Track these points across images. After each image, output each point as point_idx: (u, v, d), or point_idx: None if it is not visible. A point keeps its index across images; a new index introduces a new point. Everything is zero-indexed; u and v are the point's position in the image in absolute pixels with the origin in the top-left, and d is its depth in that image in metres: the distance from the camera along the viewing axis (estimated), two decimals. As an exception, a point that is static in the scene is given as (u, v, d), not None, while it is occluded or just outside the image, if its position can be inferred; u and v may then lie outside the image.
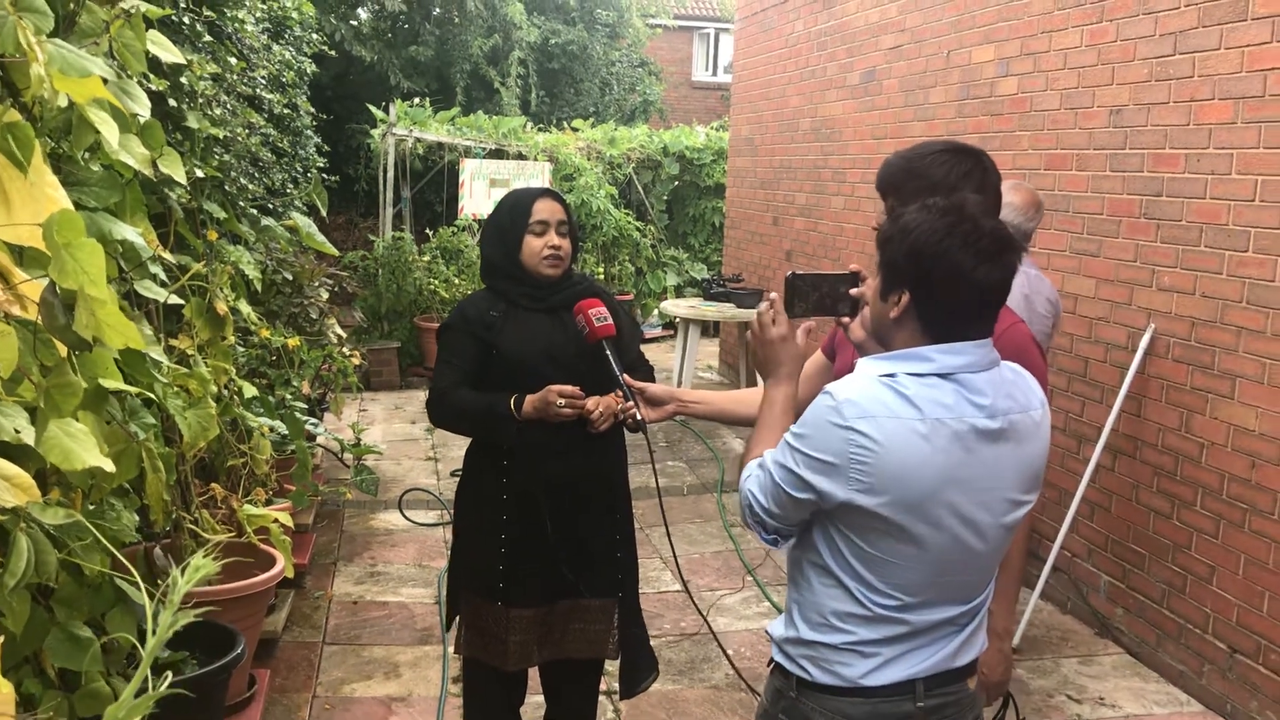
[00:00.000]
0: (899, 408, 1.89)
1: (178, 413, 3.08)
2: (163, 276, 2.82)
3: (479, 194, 10.37)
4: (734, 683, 4.22)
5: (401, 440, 7.73)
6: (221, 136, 3.82)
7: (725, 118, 16.33)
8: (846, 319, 2.29)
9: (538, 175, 10.78)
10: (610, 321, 2.93)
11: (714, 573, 5.36)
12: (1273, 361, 3.80)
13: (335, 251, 6.46)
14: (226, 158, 4.27)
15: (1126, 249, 4.53)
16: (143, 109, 2.16)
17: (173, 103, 3.47)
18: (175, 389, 3.11)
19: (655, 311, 11.62)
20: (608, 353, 2.87)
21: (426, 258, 9.66)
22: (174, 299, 2.76)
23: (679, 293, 11.72)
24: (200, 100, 3.66)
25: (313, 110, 8.61)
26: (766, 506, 2.02)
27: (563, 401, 2.86)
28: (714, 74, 23.61)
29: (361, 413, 8.42)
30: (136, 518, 2.46)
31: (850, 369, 2.55)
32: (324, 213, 6.90)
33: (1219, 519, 4.04)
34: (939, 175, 2.38)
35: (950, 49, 5.92)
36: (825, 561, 2.01)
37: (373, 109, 10.50)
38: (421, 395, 9.10)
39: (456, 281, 9.54)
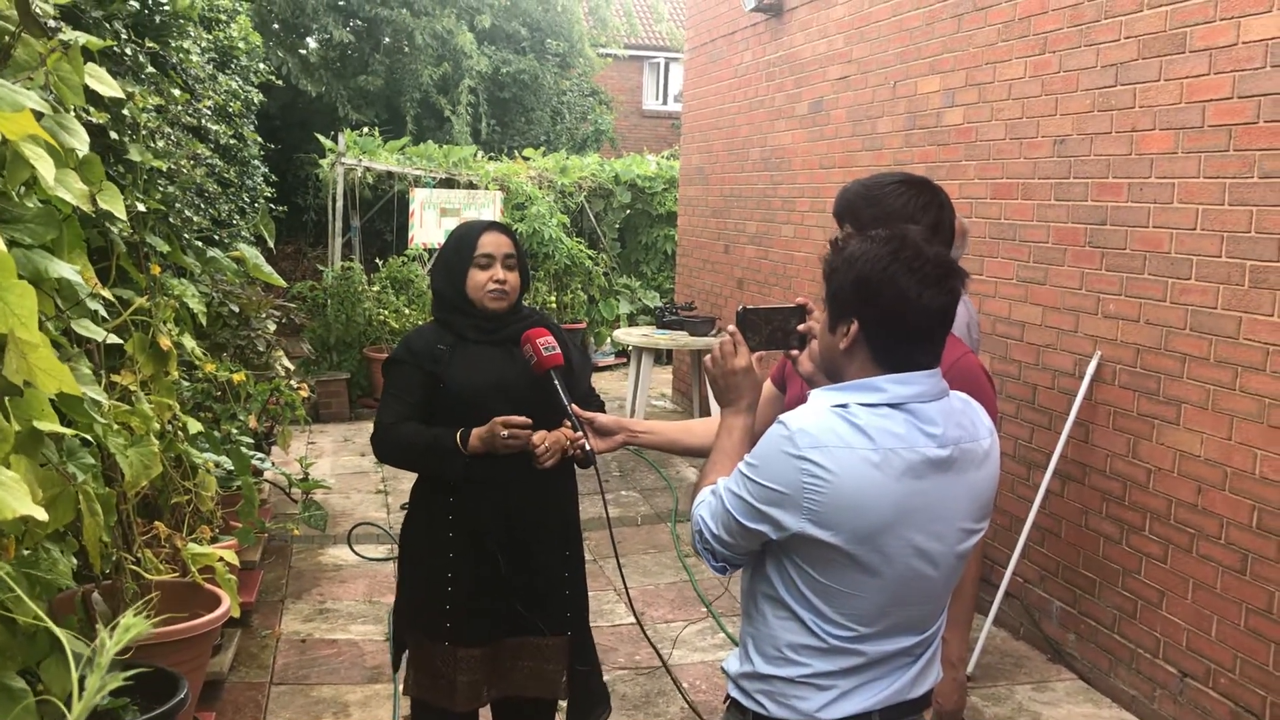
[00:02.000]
0: (851, 438, 1.88)
1: (119, 451, 3.01)
2: (103, 313, 2.76)
3: (429, 223, 10.32)
4: (689, 717, 4.18)
5: (351, 473, 7.63)
6: (165, 169, 3.76)
7: (676, 146, 16.42)
8: (796, 352, 2.29)
9: (489, 204, 10.75)
10: (558, 351, 2.91)
11: (669, 604, 5.33)
12: (1216, 387, 3.85)
13: (282, 282, 6.39)
14: (171, 189, 4.21)
15: (1072, 276, 4.59)
16: (80, 144, 2.12)
17: (114, 135, 3.42)
18: (116, 427, 3.05)
19: (608, 340, 11.60)
20: (556, 383, 2.85)
21: (376, 288, 9.59)
22: (114, 337, 2.69)
23: (632, 320, 11.72)
24: (143, 133, 3.60)
25: (260, 140, 8.54)
26: (716, 533, 2.01)
27: (508, 433, 2.82)
28: (664, 103, 23.74)
29: (310, 445, 8.31)
30: (75, 561, 2.40)
31: (801, 400, 2.56)
32: (271, 243, 6.83)
33: (1167, 544, 4.08)
34: (896, 205, 2.40)
35: (897, 79, 5.98)
36: (778, 593, 2.00)
37: (321, 139, 10.43)
38: (371, 427, 9.00)
39: (407, 312, 9.47)
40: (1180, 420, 4.01)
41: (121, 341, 3.11)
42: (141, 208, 3.32)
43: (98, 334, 2.25)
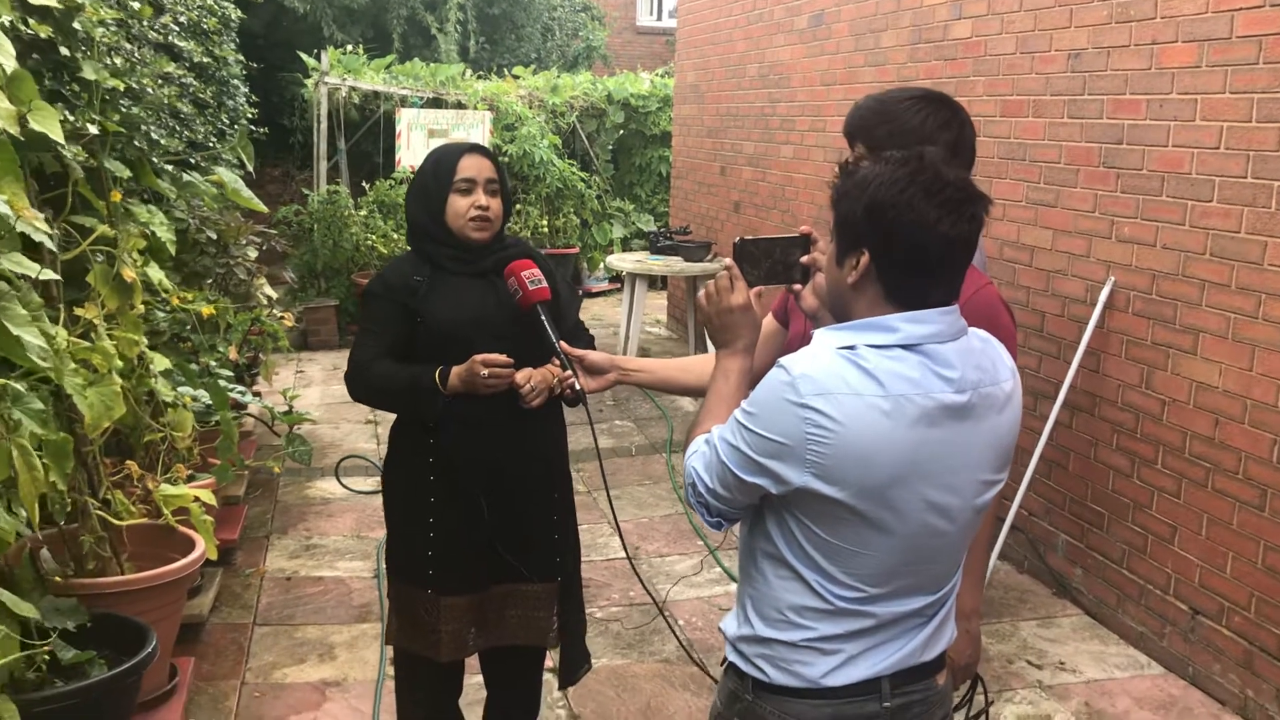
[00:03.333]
0: (860, 383, 1.70)
1: (76, 392, 2.83)
2: (50, 245, 2.56)
3: (417, 145, 10.02)
4: (685, 656, 4.07)
5: (340, 403, 7.47)
6: (123, 88, 3.52)
7: (671, 64, 16.03)
8: (798, 287, 2.10)
9: (478, 125, 10.45)
10: (545, 285, 2.72)
11: (664, 538, 5.20)
12: (1237, 316, 3.67)
13: (263, 208, 6.15)
14: (135, 110, 3.97)
15: (1085, 199, 4.38)
16: (6, 58, 1.90)
17: (65, 51, 3.18)
18: (73, 366, 2.86)
19: (602, 265, 11.38)
20: (542, 318, 2.67)
21: (363, 212, 9.33)
22: (49, 272, 2.49)
23: (626, 245, 11.48)
24: (98, 48, 3.36)
25: (242, 59, 8.23)
26: (711, 487, 1.85)
27: (488, 373, 2.64)
28: (659, 18, 23.11)
29: (298, 374, 8.14)
30: (24, 512, 2.23)
31: (804, 338, 2.37)
32: (250, 167, 6.58)
33: (1181, 478, 3.93)
34: (914, 122, 2.20)
35: (901, -9, 5.70)
36: (780, 552, 1.83)
37: (304, 57, 10.09)
38: (361, 355, 8.82)
39: (395, 237, 9.24)
40: (1198, 350, 3.83)
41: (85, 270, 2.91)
42: (94, 130, 3.08)
43: (31, 269, 2.04)
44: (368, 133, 10.62)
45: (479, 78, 11.55)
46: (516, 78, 11.69)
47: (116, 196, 3.45)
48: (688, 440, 1.98)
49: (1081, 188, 4.39)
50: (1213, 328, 3.76)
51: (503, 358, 2.64)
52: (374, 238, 9.14)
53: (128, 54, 3.91)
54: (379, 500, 5.64)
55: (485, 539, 2.83)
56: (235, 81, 8.05)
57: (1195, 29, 3.80)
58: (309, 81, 10.17)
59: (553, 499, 2.94)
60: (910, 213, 1.71)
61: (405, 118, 9.87)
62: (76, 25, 3.18)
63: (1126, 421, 4.18)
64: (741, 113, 7.88)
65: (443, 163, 2.79)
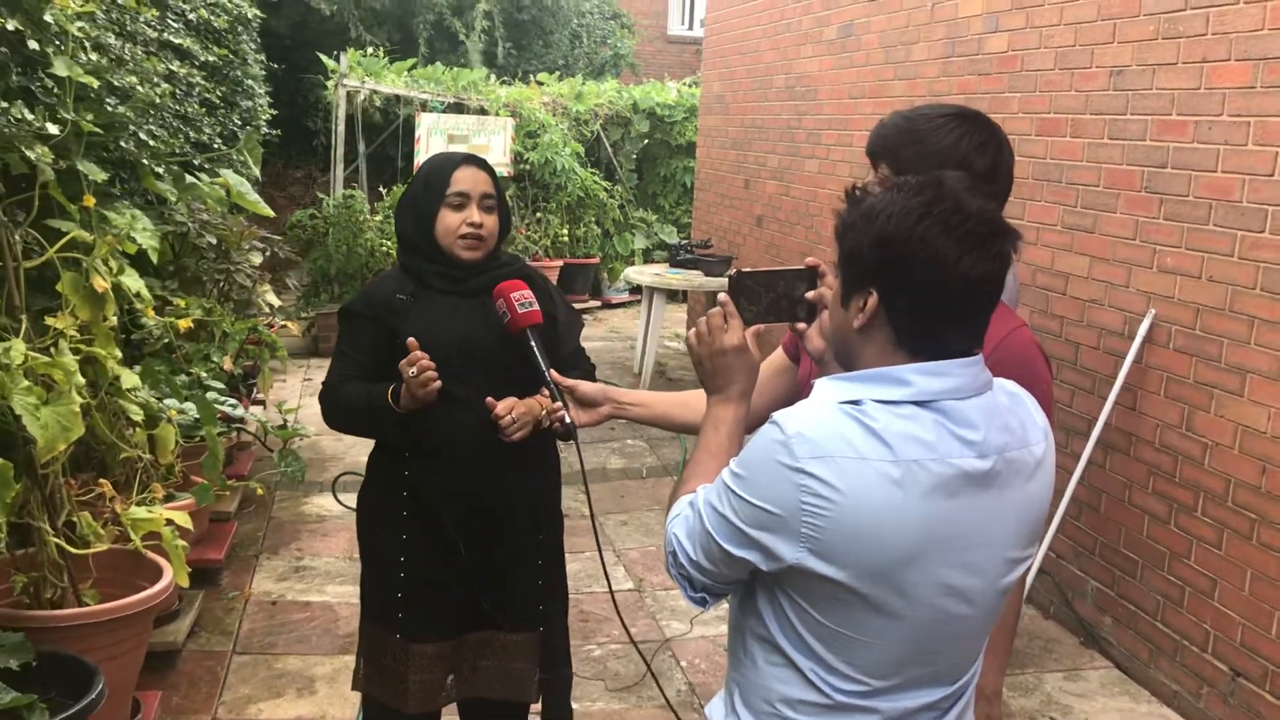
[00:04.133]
0: (865, 446, 1.46)
1: (28, 412, 2.63)
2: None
3: (436, 151, 9.82)
4: (686, 700, 3.83)
5: (346, 413, 7.26)
6: (100, 85, 3.32)
7: (699, 73, 15.82)
8: (803, 326, 1.86)
9: (499, 131, 10.26)
10: (536, 308, 2.50)
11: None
12: (1290, 356, 3.40)
13: (269, 212, 5.97)
14: (122, 110, 3.77)
15: (1125, 225, 4.11)
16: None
17: (35, 45, 2.99)
18: (26, 385, 2.66)
19: (622, 276, 11.15)
20: (532, 344, 2.44)
21: (379, 217, 9.15)
22: None
23: (648, 256, 11.25)
24: (73, 43, 3.16)
25: (262, 59, 8.07)
26: (694, 558, 1.61)
27: (415, 370, 2.38)
28: (690, 28, 22.92)
29: (305, 382, 7.94)
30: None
31: (812, 382, 2.14)
32: (256, 170, 6.41)
33: (1223, 528, 3.65)
34: (945, 143, 1.96)
35: (935, 1, 5.45)
36: (772, 635, 1.59)
37: (323, 58, 9.93)
38: (372, 363, 8.63)
39: (410, 243, 9.03)
40: (1245, 391, 3.56)
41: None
42: (54, 129, 2.88)
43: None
44: (391, 137, 10.45)
45: (502, 83, 11.36)
46: (540, 84, 11.50)
47: (90, 201, 3.25)
48: (671, 500, 1.75)
49: (1121, 213, 4.13)
50: (1263, 368, 3.49)
51: (421, 354, 2.39)
52: (389, 243, 8.94)
53: (116, 50, 3.71)
54: (377, 519, 5.48)
55: (460, 581, 2.61)
56: (252, 82, 7.88)
57: (1250, 47, 3.54)
58: (329, 84, 10.00)
59: (537, 541, 2.71)
60: (925, 249, 1.48)
61: (425, 122, 9.68)
62: (48, 18, 2.99)
63: (1164, 464, 3.91)
64: (767, 125, 7.64)
65: (435, 174, 2.57)
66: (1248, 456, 3.55)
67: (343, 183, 9.45)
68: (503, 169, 10.33)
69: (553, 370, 2.41)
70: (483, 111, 10.44)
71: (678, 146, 11.79)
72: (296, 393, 7.41)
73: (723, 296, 1.80)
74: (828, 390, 1.57)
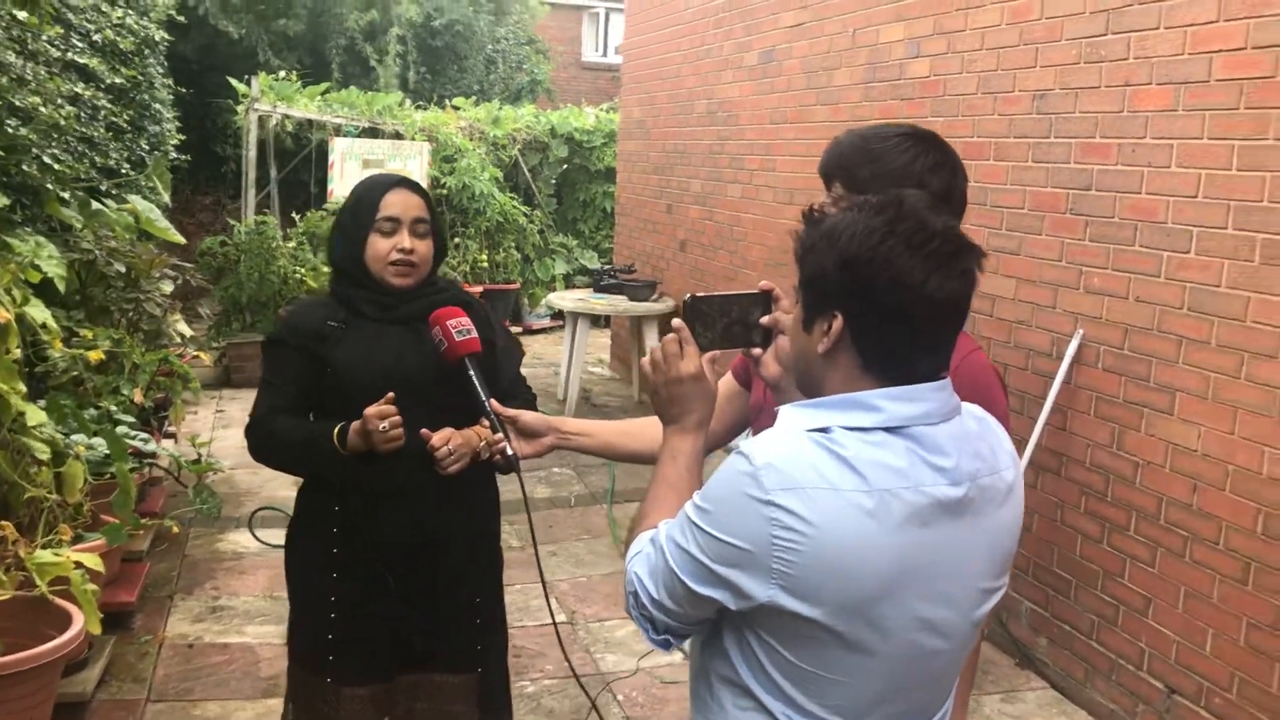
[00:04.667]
0: (837, 476, 1.41)
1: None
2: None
3: (351, 176, 9.65)
4: (624, 736, 3.74)
5: (262, 446, 7.03)
6: None
7: (616, 99, 15.82)
8: (758, 351, 1.80)
9: (415, 156, 10.12)
10: (474, 335, 2.40)
11: (603, 599, 4.85)
12: (1218, 375, 3.43)
13: (180, 239, 5.77)
14: (24, 133, 3.60)
15: (1051, 247, 4.15)
16: None
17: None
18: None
19: (543, 302, 11.06)
20: (470, 373, 2.35)
21: (292, 244, 8.93)
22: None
23: (569, 281, 11.17)
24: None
25: (170, 83, 7.85)
26: (656, 598, 1.53)
27: (385, 425, 2.29)
28: (604, 54, 23.01)
29: (218, 414, 7.68)
30: None
31: (765, 406, 2.08)
32: (166, 196, 6.21)
33: (1155, 545, 3.68)
34: (900, 163, 1.93)
35: (856, 27, 5.49)
36: (740, 677, 1.52)
37: (233, 82, 9.70)
38: (287, 394, 8.39)
39: (325, 270, 8.83)
40: (1175, 410, 3.60)
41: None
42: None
43: None
44: (303, 162, 10.24)
45: (418, 107, 11.22)
46: (456, 108, 11.38)
47: (-9, 228, 3.08)
48: (630, 535, 1.67)
49: (1047, 235, 4.16)
50: (1191, 387, 3.53)
51: (390, 408, 2.30)
52: (302, 270, 8.73)
53: (16, 70, 3.55)
54: (296, 556, 5.29)
55: (392, 620, 2.49)
56: (160, 106, 7.66)
57: (1171, 71, 3.60)
58: (240, 108, 9.77)
59: (475, 577, 2.61)
60: (889, 269, 1.43)
61: (339, 147, 9.51)
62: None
63: (1096, 483, 3.94)
64: (689, 150, 7.63)
65: (365, 198, 2.47)
66: (1179, 475, 3.58)
67: (254, 209, 9.21)
68: (420, 195, 10.17)
69: (493, 400, 2.32)
70: (398, 136, 10.29)
71: (596, 172, 11.76)
72: (209, 425, 7.16)
73: (677, 322, 1.73)
74: (793, 418, 1.51)
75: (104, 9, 5.74)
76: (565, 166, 11.63)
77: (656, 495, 1.68)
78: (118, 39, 6.09)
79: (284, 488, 6.18)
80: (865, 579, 1.41)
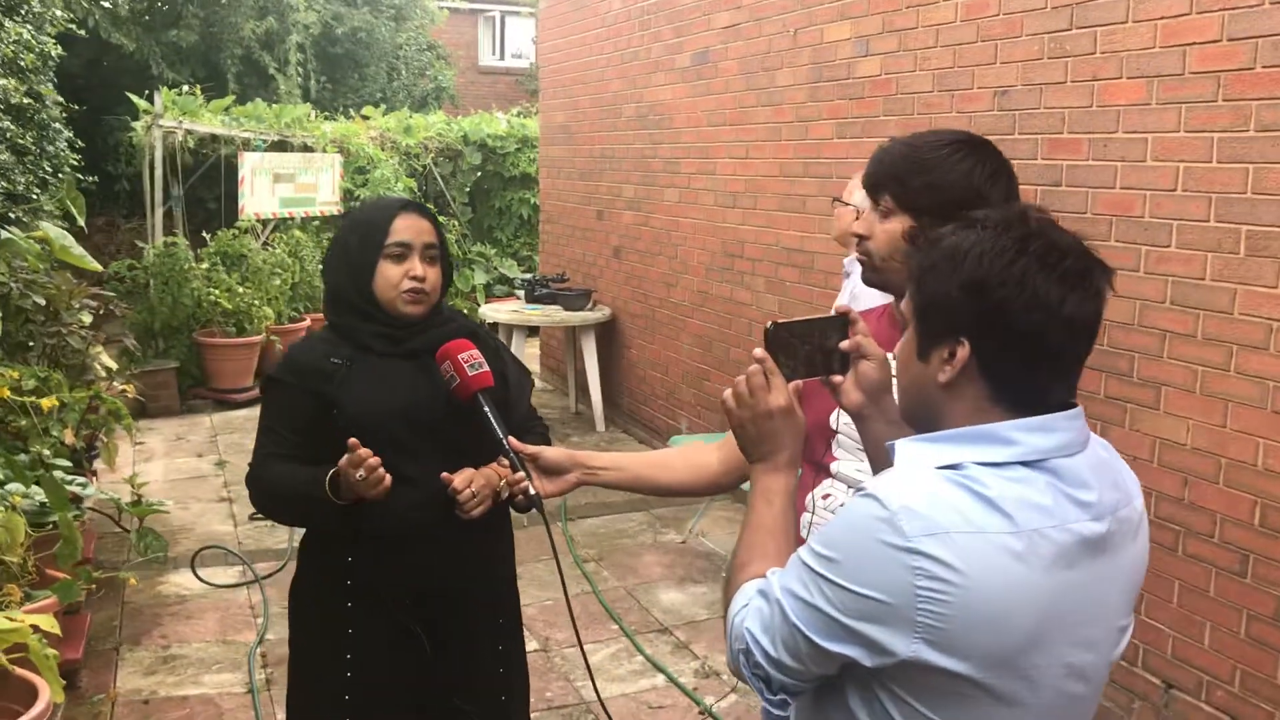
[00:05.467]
0: (981, 517, 1.30)
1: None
2: None
3: (261, 191, 9.32)
4: (621, 768, 3.60)
5: (188, 478, 6.73)
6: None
7: (525, 104, 15.60)
8: (839, 379, 1.69)
9: (327, 168, 9.81)
10: (486, 369, 2.25)
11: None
12: (1206, 368, 3.43)
13: (97, 266, 5.47)
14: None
15: (1019, 244, 4.11)
16: None
17: None
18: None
19: (479, 315, 10.83)
20: (485, 409, 2.20)
21: (205, 265, 8.57)
22: None
23: (489, 291, 10.95)
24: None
25: (62, 100, 7.44)
26: (775, 656, 1.40)
27: (361, 474, 2.12)
28: (501, 58, 22.76)
29: (137, 446, 7.31)
30: None
31: (823, 430, 1.97)
32: (80, 220, 5.89)
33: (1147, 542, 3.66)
34: (958, 173, 1.84)
35: (797, 27, 5.42)
36: (866, 733, 1.41)
37: (134, 99, 9.28)
38: (208, 420, 8.07)
39: (241, 291, 8.50)
40: (1161, 405, 3.59)
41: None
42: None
43: None
44: (202, 179, 9.85)
45: (326, 118, 10.89)
46: (366, 118, 11.08)
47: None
48: (730, 585, 1.54)
49: (1015, 232, 4.13)
50: (1178, 381, 3.52)
51: (365, 452, 2.12)
52: (217, 293, 8.38)
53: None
54: (243, 595, 5.04)
55: (417, 679, 2.32)
56: (57, 125, 7.26)
57: (1143, 65, 3.59)
58: (138, 125, 9.34)
59: (498, 624, 2.45)
60: (1024, 292, 1.34)
61: (249, 162, 9.16)
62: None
63: (1078, 480, 3.92)
64: (619, 155, 7.50)
65: (372, 223, 2.30)
66: (1168, 469, 3.57)
67: (162, 230, 8.82)
68: (332, 207, 9.89)
69: (511, 438, 2.17)
70: (308, 148, 9.96)
71: (511, 178, 11.57)
72: (129, 459, 6.81)
73: (760, 352, 1.61)
74: (916, 454, 1.40)
75: (5, 24, 5.39)
76: (479, 174, 11.41)
77: (753, 541, 1.55)
78: (18, 56, 5.74)
79: (219, 520, 5.90)
80: (1016, 628, 1.30)
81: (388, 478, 2.14)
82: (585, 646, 4.44)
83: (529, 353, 9.63)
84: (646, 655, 4.39)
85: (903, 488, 1.33)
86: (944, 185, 1.84)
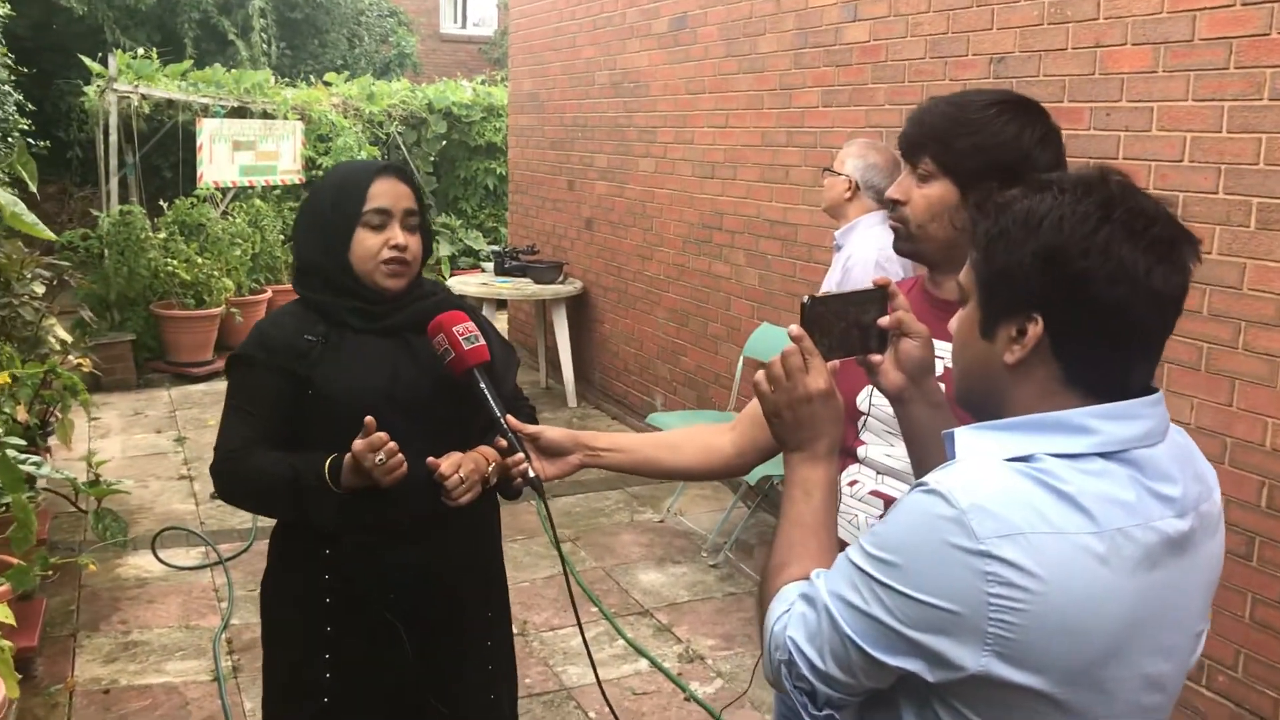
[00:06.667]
0: (1061, 516, 1.16)
1: None
2: None
3: (220, 158, 9.03)
4: (606, 758, 3.47)
5: (146, 455, 6.51)
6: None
7: (489, 72, 15.33)
8: (878, 358, 1.54)
9: (288, 136, 9.54)
10: (483, 343, 2.09)
11: (550, 605, 4.56)
12: (1212, 345, 3.33)
13: (50, 235, 5.22)
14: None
15: (1014, 216, 4.00)
16: None
17: None
18: None
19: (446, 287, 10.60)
20: (482, 386, 2.04)
21: (162, 234, 8.29)
22: None
23: (454, 263, 10.73)
24: None
25: (10, 62, 7.14)
26: (822, 669, 1.26)
27: (380, 457, 1.96)
28: (463, 26, 22.39)
29: (93, 422, 7.07)
30: None
31: (853, 411, 1.83)
32: (32, 186, 5.64)
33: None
34: (1007, 135, 1.70)
35: (781, -9, 5.26)
36: (923, 751, 1.27)
37: (88, 62, 8.95)
38: (166, 395, 7.83)
39: (200, 261, 8.23)
40: (1164, 382, 3.49)
41: None
42: None
43: None
44: (157, 146, 9.54)
45: (287, 84, 10.59)
46: (328, 84, 10.79)
47: None
48: (767, 588, 1.39)
49: (1010, 204, 4.01)
50: (1182, 358, 3.42)
51: (381, 435, 1.97)
52: (175, 263, 8.11)
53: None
54: (207, 578, 4.85)
55: (402, 681, 2.17)
56: (6, 88, 6.98)
57: (1149, 31, 3.46)
58: (90, 89, 9.02)
59: (487, 619, 2.30)
60: (1108, 262, 1.20)
61: (207, 128, 8.87)
62: None
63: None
64: (591, 123, 7.31)
65: (347, 188, 2.11)
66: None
67: (117, 198, 8.52)
68: (294, 176, 9.63)
69: (509, 416, 2.02)
70: (268, 115, 9.68)
71: (477, 147, 11.33)
72: (84, 435, 6.58)
73: (795, 329, 1.46)
74: (980, 443, 1.26)
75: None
76: (444, 143, 11.16)
77: (793, 539, 1.41)
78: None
79: (179, 499, 5.70)
80: (1096, 638, 1.17)
81: (404, 466, 1.98)
82: (563, 630, 4.33)
83: (497, 326, 9.46)
84: (628, 639, 4.26)
85: (971, 483, 1.19)
86: (991, 147, 1.70)
